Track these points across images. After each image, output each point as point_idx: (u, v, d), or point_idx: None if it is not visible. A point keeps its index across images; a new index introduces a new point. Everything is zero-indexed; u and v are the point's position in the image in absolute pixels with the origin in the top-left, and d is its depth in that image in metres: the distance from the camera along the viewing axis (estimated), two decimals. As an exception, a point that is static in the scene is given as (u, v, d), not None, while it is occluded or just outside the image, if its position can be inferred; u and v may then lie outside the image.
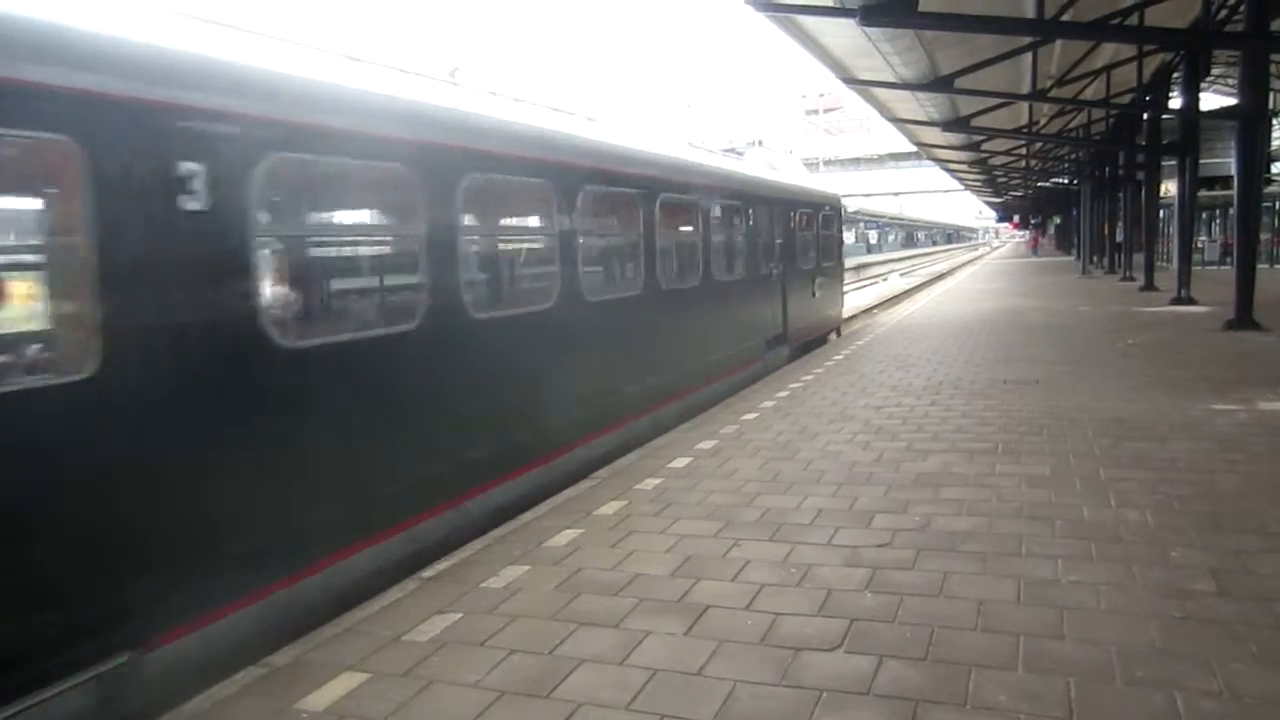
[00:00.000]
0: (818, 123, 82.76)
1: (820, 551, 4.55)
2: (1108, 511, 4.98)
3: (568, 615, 3.91)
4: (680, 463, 6.49)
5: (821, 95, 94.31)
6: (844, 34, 14.72)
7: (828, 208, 15.43)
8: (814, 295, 14.16)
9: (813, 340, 14.18)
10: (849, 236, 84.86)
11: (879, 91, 20.71)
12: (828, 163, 61.92)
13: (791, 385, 9.86)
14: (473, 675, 3.41)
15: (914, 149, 38.98)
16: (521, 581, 4.34)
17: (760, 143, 15.11)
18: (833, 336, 15.89)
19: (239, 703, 3.35)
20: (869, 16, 11.61)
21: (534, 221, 7.74)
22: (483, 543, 5.02)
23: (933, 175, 52.97)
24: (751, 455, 6.62)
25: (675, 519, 5.18)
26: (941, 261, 75.65)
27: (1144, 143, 23.80)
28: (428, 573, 4.60)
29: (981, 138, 27.24)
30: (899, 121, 26.34)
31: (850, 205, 78.32)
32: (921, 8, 11.36)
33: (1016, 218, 74.76)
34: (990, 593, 3.93)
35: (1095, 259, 33.34)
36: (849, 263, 61.71)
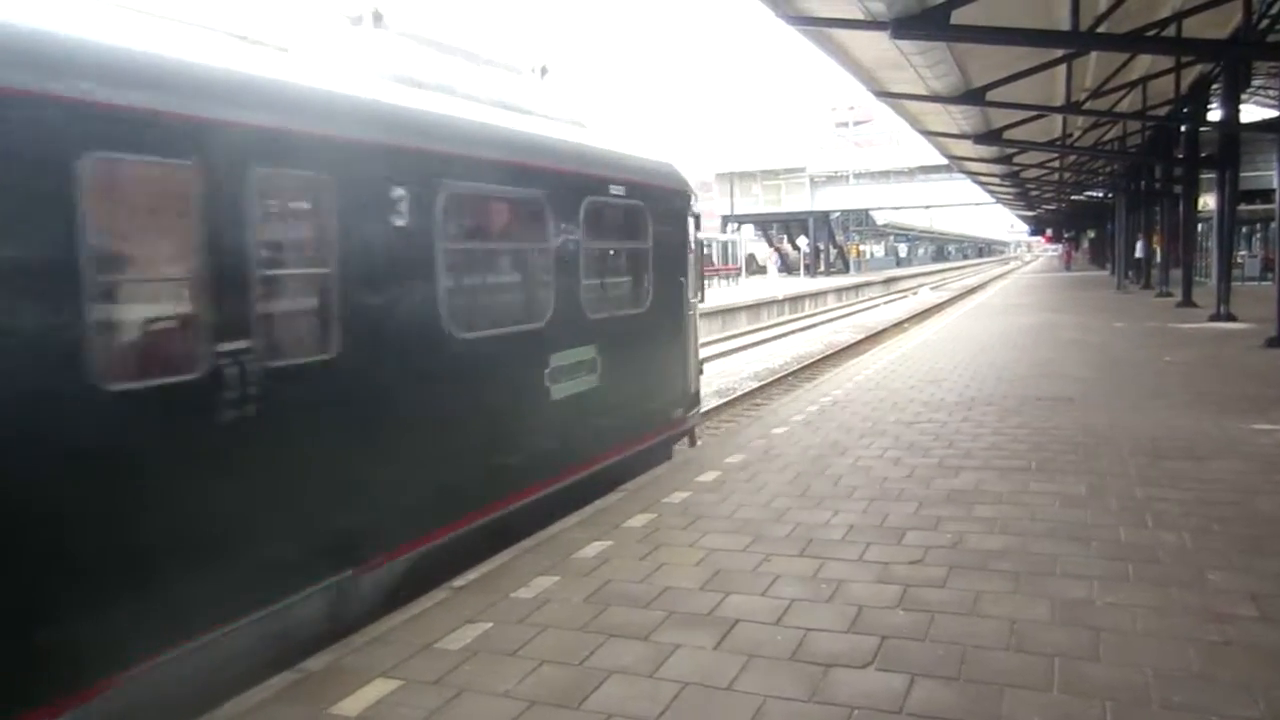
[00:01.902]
0: (847, 135, 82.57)
1: (851, 568, 4.53)
2: (1145, 532, 4.91)
3: (597, 627, 3.92)
4: (708, 476, 6.49)
5: (851, 108, 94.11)
6: (875, 47, 14.68)
7: (665, 198, 7.78)
8: (634, 368, 7.21)
9: (617, 469, 6.79)
10: (877, 249, 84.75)
11: (910, 104, 20.60)
12: (857, 175, 61.43)
13: (822, 400, 9.81)
14: (503, 685, 3.44)
15: (945, 162, 38.66)
16: (551, 592, 4.36)
17: (545, 70, 7.41)
18: (679, 448, 8.35)
19: (273, 707, 3.40)
20: (901, 29, 11.59)
21: None
22: (512, 553, 5.05)
23: (964, 188, 52.44)
24: (781, 470, 6.60)
25: (704, 532, 5.18)
26: (972, 276, 75.00)
27: (1182, 155, 23.46)
28: (458, 582, 4.64)
29: (1014, 150, 27.00)
30: (930, 134, 26.18)
31: (880, 218, 78.19)
32: (954, 20, 11.32)
33: (1049, 231, 73.94)
34: (1024, 612, 3.88)
35: (1130, 274, 32.88)
36: (878, 276, 61.73)
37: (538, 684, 3.44)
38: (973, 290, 43.14)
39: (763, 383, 15.86)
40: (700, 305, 8.91)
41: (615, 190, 6.79)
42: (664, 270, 7.61)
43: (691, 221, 8.23)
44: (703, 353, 22.61)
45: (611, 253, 7.31)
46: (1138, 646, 3.52)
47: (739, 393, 14.83)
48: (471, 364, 5.27)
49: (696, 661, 3.55)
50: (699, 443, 8.94)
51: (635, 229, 7.31)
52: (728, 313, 31.24)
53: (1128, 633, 3.65)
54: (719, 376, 17.77)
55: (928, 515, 5.35)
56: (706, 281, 48.91)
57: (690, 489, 6.16)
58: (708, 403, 13.86)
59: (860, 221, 74.86)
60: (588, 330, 6.34)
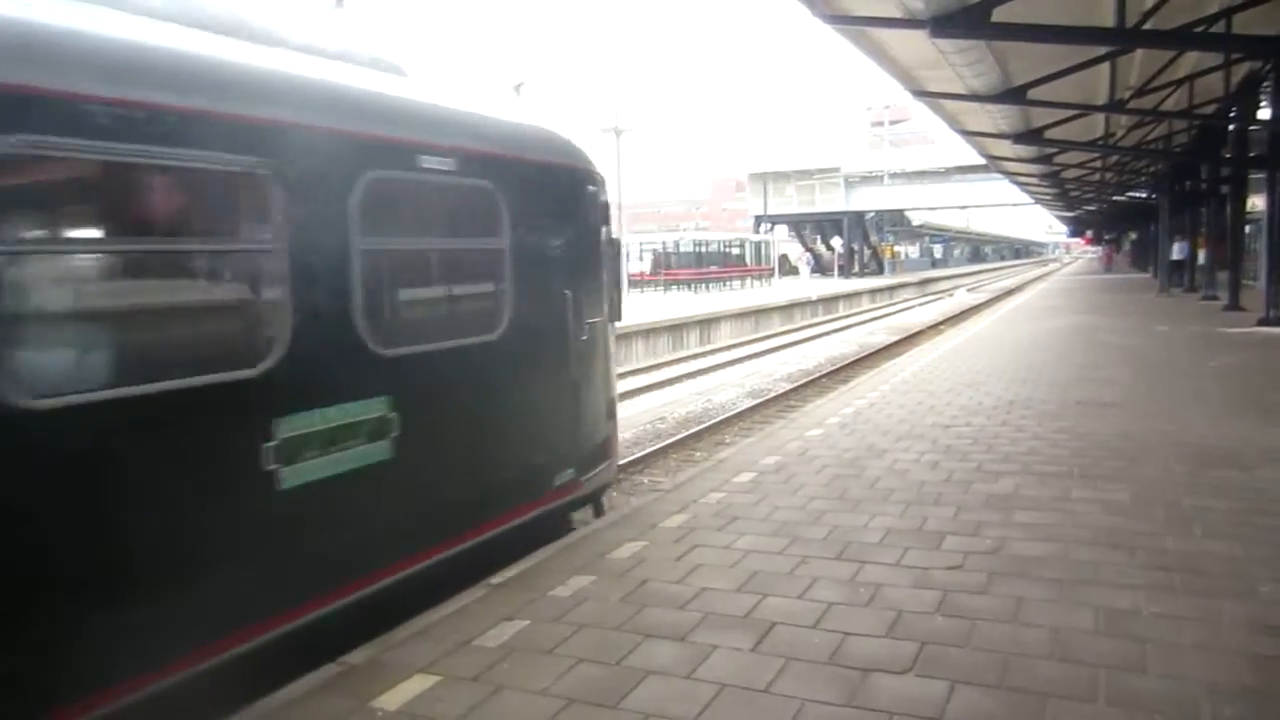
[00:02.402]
0: (883, 135, 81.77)
1: (889, 571, 4.49)
2: (1192, 542, 4.81)
3: (634, 627, 3.93)
4: (744, 478, 6.47)
5: (887, 107, 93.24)
6: (913, 45, 14.53)
7: (539, 178, 5.59)
8: (471, 424, 5.00)
9: (427, 577, 4.56)
10: (912, 250, 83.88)
11: (948, 103, 20.36)
12: (893, 175, 60.82)
13: (857, 402, 9.74)
14: (541, 682, 3.45)
15: (982, 161, 38.16)
16: (588, 591, 4.37)
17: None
18: (584, 519, 6.29)
19: (318, 698, 3.44)
20: (939, 27, 11.45)
21: None
22: (547, 552, 5.08)
23: (1001, 189, 51.73)
24: (817, 472, 6.56)
25: (740, 534, 5.16)
26: (1010, 277, 73.99)
27: (1229, 155, 22.93)
28: (496, 579, 4.67)
29: (1054, 150, 26.58)
30: (968, 134, 25.86)
31: (915, 219, 77.38)
32: (994, 18, 11.16)
33: (1089, 233, 72.69)
34: (1067, 621, 3.82)
35: (1174, 276, 32.21)
36: (913, 277, 61.14)
37: (575, 682, 3.45)
38: (1010, 292, 42.56)
39: (796, 384, 15.78)
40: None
41: (433, 163, 4.53)
42: (536, 280, 5.33)
43: (594, 212, 6.01)
44: (734, 354, 22.79)
45: (428, 255, 4.95)
46: (1187, 659, 3.45)
47: (772, 394, 14.77)
48: (75, 451, 3.06)
49: (734, 663, 3.55)
50: (609, 511, 6.38)
51: (478, 220, 5.06)
52: (760, 313, 31.13)
53: (1176, 645, 3.58)
54: (752, 377, 17.72)
55: (967, 520, 5.29)
56: (739, 283, 49.51)
57: (726, 490, 6.14)
58: (739, 404, 13.85)
59: (895, 222, 74.12)
60: (372, 374, 4.13)
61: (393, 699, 3.40)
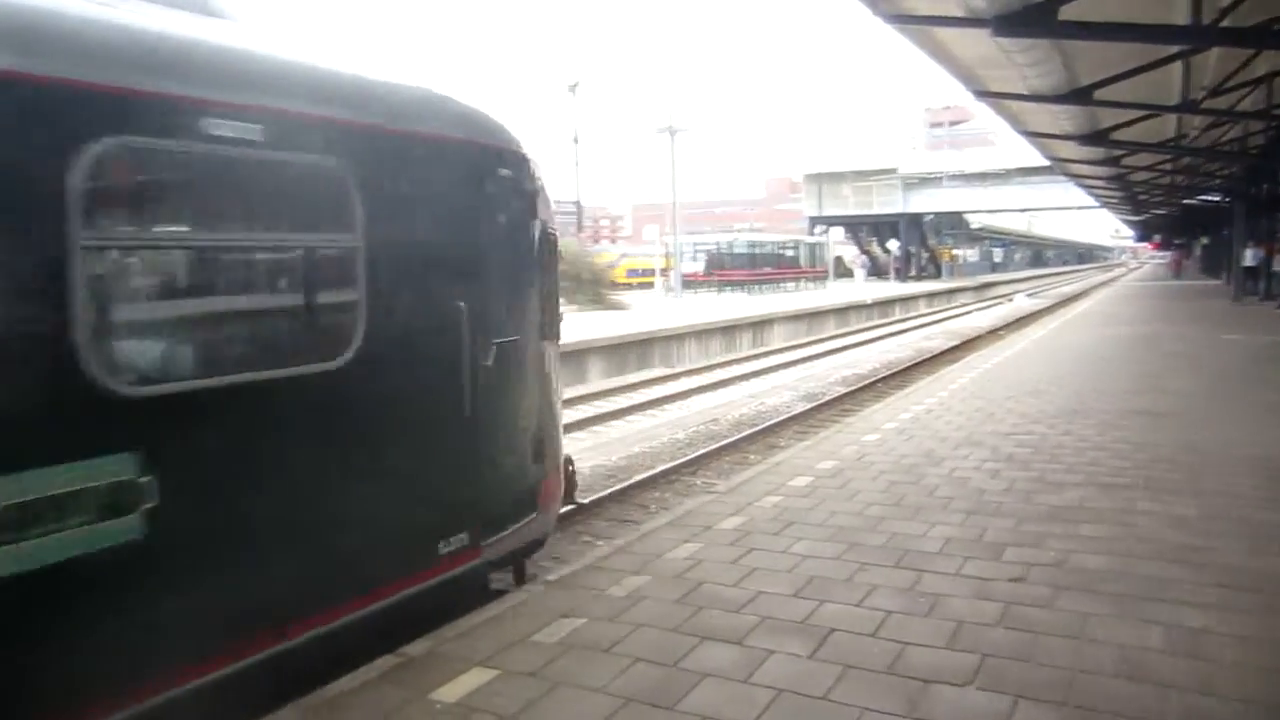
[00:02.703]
0: (943, 136, 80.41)
1: (949, 582, 4.42)
2: (1265, 559, 4.64)
3: (690, 628, 3.94)
4: (800, 482, 6.43)
5: (947, 108, 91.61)
6: (976, 44, 14.24)
7: (423, 154, 4.25)
8: (291, 481, 3.65)
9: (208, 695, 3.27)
10: (971, 254, 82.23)
11: (1011, 103, 19.93)
12: (951, 177, 59.71)
13: (914, 408, 9.60)
14: (598, 680, 3.49)
15: (1045, 163, 37.27)
16: (644, 591, 4.40)
17: None
18: (507, 583, 5.20)
19: (379, 687, 3.53)
20: (1003, 26, 11.21)
21: None
22: (603, 551, 5.12)
23: (1065, 191, 50.47)
24: (874, 478, 6.50)
25: (797, 539, 5.14)
26: (1073, 282, 72.16)
27: (1309, 159, 22.02)
28: (552, 576, 4.74)
29: (1122, 153, 25.83)
30: (1032, 135, 25.26)
31: (974, 221, 75.84)
32: (1061, 16, 10.88)
33: (1158, 237, 70.44)
34: (1135, 639, 3.73)
35: (1249, 284, 31.05)
36: (971, 281, 59.92)
37: (631, 681, 3.47)
38: (1073, 298, 41.49)
39: (851, 388, 15.60)
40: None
41: (225, 129, 3.33)
42: (410, 288, 4.12)
43: (513, 203, 4.79)
44: (788, 356, 22.61)
45: (216, 256, 3.68)
46: (1261, 682, 3.34)
47: (826, 398, 14.63)
48: None
49: (791, 669, 3.54)
50: (520, 581, 5.17)
51: (311, 208, 3.82)
52: (815, 316, 30.86)
53: (1249, 667, 3.47)
54: (806, 380, 17.59)
55: (1029, 531, 5.19)
56: (793, 285, 49.04)
57: (782, 494, 6.11)
58: (794, 407, 13.73)
59: (953, 225, 72.77)
60: (107, 422, 3.02)
61: (451, 691, 3.47)
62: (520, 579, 5.17)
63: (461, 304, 4.29)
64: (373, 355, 3.84)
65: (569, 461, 5.79)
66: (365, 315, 3.83)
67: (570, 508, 6.52)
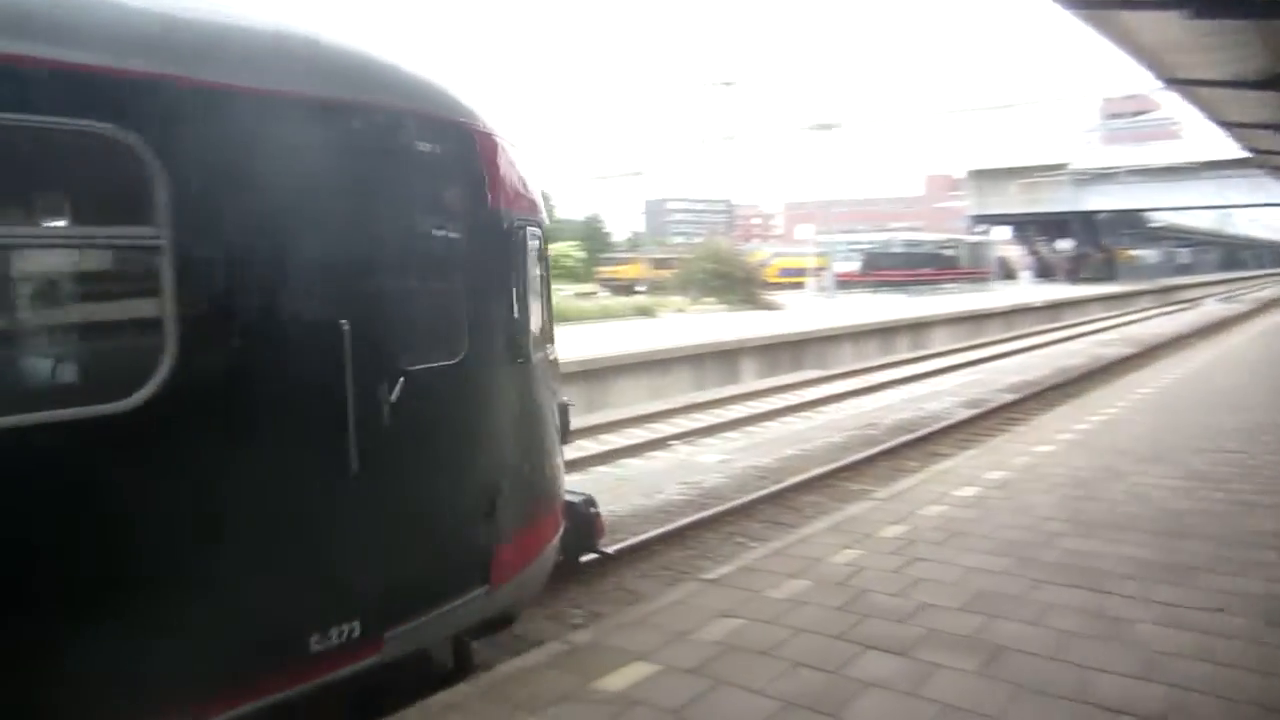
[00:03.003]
0: (1119, 129, 74.75)
1: (1135, 606, 4.13)
2: None
3: (853, 636, 3.87)
4: (967, 492, 6.17)
5: (1129, 98, 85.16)
6: (1166, 28, 13.16)
7: (343, 127, 3.23)
8: (157, 552, 2.75)
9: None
10: (1152, 254, 75.96)
11: (1203, 91, 18.31)
12: (1129, 172, 55.32)
13: (1091, 418, 9.00)
14: (759, 682, 3.49)
15: (1242, 155, 33.97)
16: (804, 596, 4.36)
17: None
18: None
19: (546, 673, 3.67)
20: (1204, 8, 10.30)
21: None
22: (761, 552, 5.11)
23: (1266, 186, 45.78)
24: (1047, 491, 6.15)
25: (964, 550, 4.94)
26: (1273, 286, 65.41)
27: None
28: (709, 575, 4.77)
29: (1339, 142, 23.20)
30: (1228, 125, 23.06)
31: (1156, 220, 69.99)
32: (1272, -7, 9.89)
33: (1379, 236, 62.72)
34: (1360, 682, 3.36)
35: None
36: (1152, 284, 55.26)
37: (793, 685, 3.45)
38: (1274, 303, 37.62)
39: (1020, 396, 14.78)
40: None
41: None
42: (253, 301, 3.02)
43: (448, 188, 3.79)
44: (948, 360, 21.68)
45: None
46: None
47: (992, 405, 13.92)
48: None
49: (960, 685, 3.41)
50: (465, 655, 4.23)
51: (89, 190, 3.06)
52: (976, 319, 29.49)
53: None
54: (970, 386, 16.81)
55: (1227, 557, 4.76)
56: (952, 286, 46.94)
57: (946, 503, 5.89)
58: (955, 414, 13.15)
59: (1131, 224, 67.48)
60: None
61: (615, 681, 3.56)
62: (461, 666, 4.06)
63: (343, 323, 3.15)
64: (184, 393, 2.77)
65: (591, 503, 5.22)
66: (174, 338, 2.75)
67: (593, 557, 5.69)
